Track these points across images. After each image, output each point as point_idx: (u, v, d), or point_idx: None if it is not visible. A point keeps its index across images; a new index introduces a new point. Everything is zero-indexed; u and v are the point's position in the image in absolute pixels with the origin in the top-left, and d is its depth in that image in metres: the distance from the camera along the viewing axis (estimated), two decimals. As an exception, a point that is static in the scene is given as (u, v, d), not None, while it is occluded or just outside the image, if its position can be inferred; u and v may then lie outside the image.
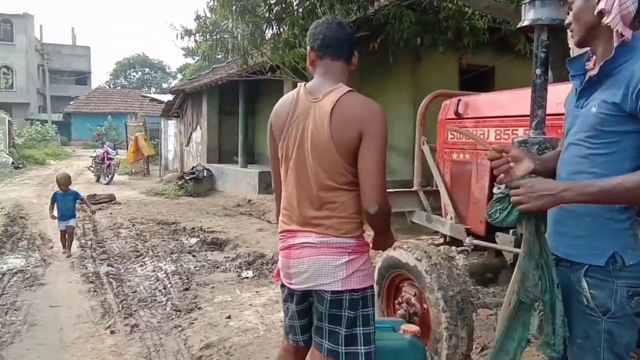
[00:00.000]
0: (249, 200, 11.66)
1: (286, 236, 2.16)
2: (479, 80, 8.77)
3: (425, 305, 2.88)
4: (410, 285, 3.02)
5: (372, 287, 2.14)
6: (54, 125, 35.25)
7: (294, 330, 2.23)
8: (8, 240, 7.74)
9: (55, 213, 7.06)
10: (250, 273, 6.02)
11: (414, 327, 2.43)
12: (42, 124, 33.95)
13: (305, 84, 2.17)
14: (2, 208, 10.81)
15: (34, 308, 4.89)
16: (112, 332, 4.31)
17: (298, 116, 2.10)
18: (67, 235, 7.06)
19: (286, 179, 2.16)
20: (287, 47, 6.37)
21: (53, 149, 28.89)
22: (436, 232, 3.82)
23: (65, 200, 7.15)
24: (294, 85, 10.19)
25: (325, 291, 2.04)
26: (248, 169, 12.92)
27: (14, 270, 6.13)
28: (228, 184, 13.54)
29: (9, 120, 22.31)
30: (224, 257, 6.84)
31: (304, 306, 2.18)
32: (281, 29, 6.60)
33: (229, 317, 4.52)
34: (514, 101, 2.90)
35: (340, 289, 2.03)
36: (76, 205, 7.33)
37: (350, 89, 2.07)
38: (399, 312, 3.01)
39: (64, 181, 7.26)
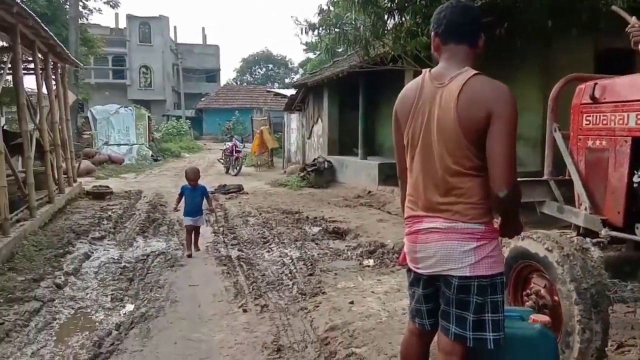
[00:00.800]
0: (369, 192, 11.77)
1: (412, 221, 2.20)
2: (617, 67, 8.02)
3: (556, 298, 2.77)
4: (540, 277, 2.92)
5: (501, 274, 2.11)
6: (188, 121, 37.66)
7: (420, 314, 2.27)
8: (150, 226, 8.56)
9: (180, 206, 6.85)
10: (371, 262, 6.12)
11: (544, 317, 2.36)
12: (177, 120, 36.42)
13: (430, 70, 2.19)
14: (145, 196, 11.94)
15: (175, 286, 5.38)
16: (245, 311, 4.62)
17: (424, 102, 2.12)
18: (193, 233, 6.74)
19: (412, 165, 2.20)
20: (409, 36, 6.34)
21: (187, 142, 30.92)
22: (567, 226, 3.64)
23: (194, 196, 6.76)
24: (415, 75, 9.97)
25: (453, 276, 2.06)
26: (368, 161, 13.03)
27: (157, 252, 6.78)
28: (348, 176, 13.75)
29: (148, 116, 24.21)
30: (346, 246, 7.01)
31: (431, 290, 2.21)
32: (403, 18, 6.57)
33: (352, 303, 4.65)
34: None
35: (468, 274, 2.03)
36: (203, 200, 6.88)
37: (477, 72, 2.05)
38: (527, 303, 2.92)
39: (193, 175, 6.84)
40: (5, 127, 12.28)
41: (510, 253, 3.08)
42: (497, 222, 2.20)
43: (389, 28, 6.66)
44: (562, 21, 6.12)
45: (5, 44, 8.13)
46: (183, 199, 6.84)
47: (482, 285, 2.04)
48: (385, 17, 6.57)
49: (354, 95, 13.67)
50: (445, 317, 2.12)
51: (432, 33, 2.22)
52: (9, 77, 8.82)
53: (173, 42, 48.31)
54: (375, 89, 13.60)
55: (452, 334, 2.09)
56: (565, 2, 6.12)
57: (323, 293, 5.02)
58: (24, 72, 8.95)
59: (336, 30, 6.72)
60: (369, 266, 6.00)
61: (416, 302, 2.27)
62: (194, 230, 6.74)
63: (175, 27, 53.13)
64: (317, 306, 4.67)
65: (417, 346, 2.37)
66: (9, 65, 7.90)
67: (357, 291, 5.04)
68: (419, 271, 2.19)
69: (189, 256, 6.54)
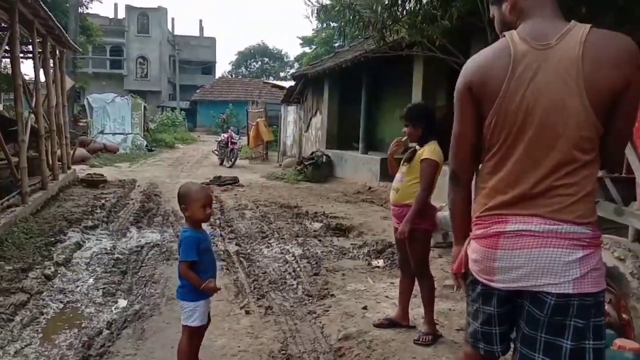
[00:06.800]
0: (369, 188, 11.38)
1: (491, 221, 1.72)
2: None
3: (625, 316, 2.36)
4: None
5: (605, 291, 1.68)
6: (182, 112, 37.37)
7: (489, 338, 1.79)
8: (145, 216, 8.10)
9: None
10: (381, 262, 5.70)
11: (633, 344, 1.94)
12: (172, 111, 36.15)
13: (514, 32, 1.70)
14: (139, 186, 11.46)
15: (171, 282, 4.93)
16: (247, 313, 4.19)
17: (523, 71, 1.62)
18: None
19: (499, 153, 1.71)
20: (426, 21, 5.91)
21: (181, 134, 30.65)
22: (621, 228, 3.21)
23: (209, 246, 3.16)
24: (427, 64, 9.47)
25: (549, 293, 1.60)
26: (369, 156, 12.61)
27: (151, 244, 6.33)
28: (347, 170, 13.34)
29: (144, 106, 23.83)
30: (351, 244, 6.59)
31: (507, 309, 1.74)
32: (420, 3, 6.12)
33: (365, 308, 4.23)
34: None
35: (570, 291, 1.59)
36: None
37: (590, 24, 1.60)
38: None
39: (205, 200, 3.01)
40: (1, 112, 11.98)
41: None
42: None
43: (405, 13, 6.20)
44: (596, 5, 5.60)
45: (4, 25, 7.93)
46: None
47: (585, 305, 1.59)
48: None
49: (355, 88, 13.26)
50: (529, 344, 1.66)
51: None
52: (8, 61, 8.61)
53: (170, 34, 47.89)
54: (378, 82, 13.19)
55: None
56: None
57: (332, 295, 4.60)
58: (21, 57, 8.78)
59: (352, 9, 6.24)
60: (378, 267, 5.58)
61: (483, 324, 1.78)
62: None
63: (173, 19, 52.56)
64: (327, 310, 4.25)
65: None
66: (6, 48, 7.57)
67: (369, 295, 4.62)
68: (495, 285, 1.71)
69: None
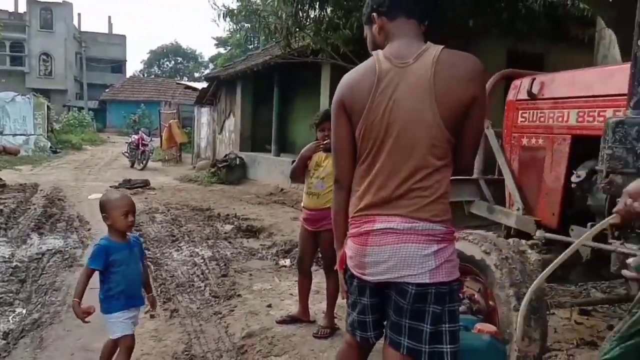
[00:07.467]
0: (282, 189, 11.53)
1: (361, 221, 1.91)
2: (527, 69, 8.39)
3: (492, 303, 2.65)
4: (474, 280, 2.79)
5: (459, 279, 1.92)
6: (90, 112, 35.87)
7: (363, 326, 1.99)
8: (47, 221, 7.76)
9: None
10: (287, 262, 5.86)
11: (490, 327, 2.20)
12: (79, 111, 34.56)
13: (380, 52, 1.92)
14: (41, 190, 10.93)
15: (73, 289, 4.80)
16: (152, 317, 4.18)
17: (385, 87, 1.83)
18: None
19: (367, 160, 1.90)
20: (330, 29, 6.14)
21: (89, 135, 29.41)
22: (486, 225, 3.56)
23: (129, 261, 2.92)
24: (334, 70, 9.82)
25: (409, 284, 1.81)
26: (281, 158, 12.77)
27: (53, 251, 6.10)
28: (260, 173, 13.43)
29: (47, 106, 22.65)
30: (260, 245, 6.71)
31: (378, 300, 1.94)
32: (324, 11, 6.36)
33: (269, 306, 4.37)
34: (604, 79, 2.61)
35: (427, 281, 1.80)
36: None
37: (442, 45, 1.84)
38: (460, 308, 2.78)
39: (127, 207, 2.88)
40: None
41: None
42: None
43: (310, 20, 6.41)
44: (482, 21, 6.18)
45: None
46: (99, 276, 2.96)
47: (440, 293, 1.82)
48: (307, 7, 6.31)
49: (268, 90, 13.39)
50: (396, 330, 1.87)
51: (374, 15, 1.97)
52: None
53: (77, 30, 45.58)
54: (290, 85, 13.39)
55: (404, 348, 1.85)
56: (486, 1, 6.20)
57: (238, 296, 4.70)
58: None
59: (258, 16, 6.36)
60: (285, 266, 5.74)
61: (359, 313, 1.98)
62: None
63: (79, 14, 50.35)
64: (232, 310, 4.34)
65: None
66: None
67: (275, 293, 4.76)
68: (366, 278, 1.90)
69: None
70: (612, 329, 3.69)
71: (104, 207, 2.86)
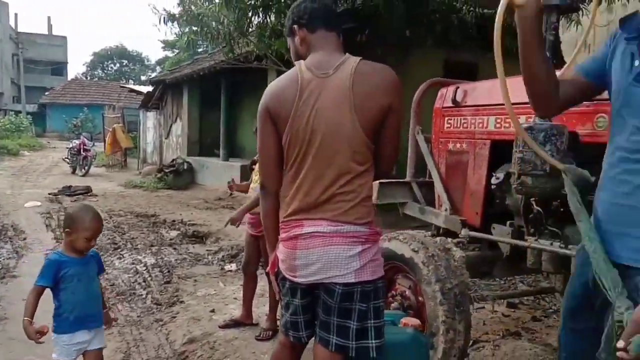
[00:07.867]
0: (231, 194, 11.46)
1: (290, 226, 1.99)
2: (461, 77, 8.72)
3: (421, 298, 2.78)
4: (405, 278, 2.92)
5: (383, 277, 2.03)
6: (29, 116, 34.41)
7: (296, 326, 2.07)
8: (-21, 232, 7.46)
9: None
10: (233, 266, 5.87)
11: (415, 321, 2.33)
12: (16, 115, 33.12)
13: (303, 62, 2.00)
14: (-26, 199, 10.48)
15: (5, 301, 4.69)
16: (89, 327, 4.12)
17: (308, 96, 1.91)
18: None
19: (294, 167, 1.98)
20: (273, 36, 6.22)
21: (27, 140, 28.15)
22: (424, 226, 3.72)
23: (86, 277, 2.75)
24: (280, 74, 10.03)
25: (337, 284, 1.91)
26: (230, 162, 12.74)
27: (-16, 263, 5.90)
28: (209, 177, 13.33)
29: (-19, 110, 21.70)
30: (206, 250, 6.69)
31: (308, 300, 2.02)
32: (267, 18, 6.43)
33: (212, 311, 4.39)
34: (518, 88, 2.78)
35: (353, 281, 1.90)
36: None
37: (360, 57, 1.94)
38: (392, 305, 2.90)
39: (93, 227, 2.68)
40: None
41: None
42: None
43: (253, 26, 6.47)
44: (418, 32, 6.42)
45: None
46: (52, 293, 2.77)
47: (365, 291, 1.93)
48: (250, 14, 6.36)
49: (216, 95, 13.32)
50: (325, 328, 1.97)
51: (296, 27, 2.05)
52: None
53: (13, 30, 43.80)
54: (237, 89, 13.36)
55: (332, 345, 1.94)
56: (421, 13, 6.43)
57: (181, 302, 4.69)
58: None
59: (200, 22, 6.35)
60: (231, 271, 5.76)
61: (292, 314, 2.06)
62: None
63: (16, 14, 48.23)
64: (175, 317, 4.34)
65: None
66: None
67: (219, 298, 4.78)
68: (297, 280, 1.99)
69: None
70: (536, 320, 3.95)
71: (72, 222, 2.62)
